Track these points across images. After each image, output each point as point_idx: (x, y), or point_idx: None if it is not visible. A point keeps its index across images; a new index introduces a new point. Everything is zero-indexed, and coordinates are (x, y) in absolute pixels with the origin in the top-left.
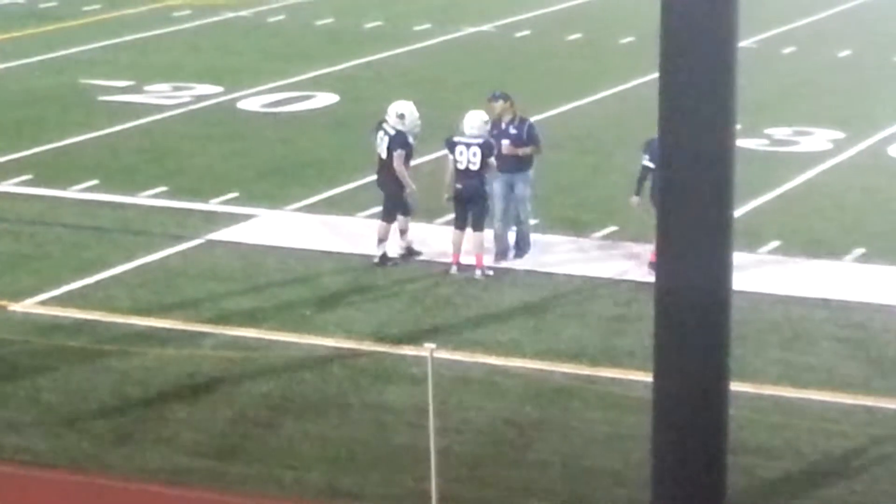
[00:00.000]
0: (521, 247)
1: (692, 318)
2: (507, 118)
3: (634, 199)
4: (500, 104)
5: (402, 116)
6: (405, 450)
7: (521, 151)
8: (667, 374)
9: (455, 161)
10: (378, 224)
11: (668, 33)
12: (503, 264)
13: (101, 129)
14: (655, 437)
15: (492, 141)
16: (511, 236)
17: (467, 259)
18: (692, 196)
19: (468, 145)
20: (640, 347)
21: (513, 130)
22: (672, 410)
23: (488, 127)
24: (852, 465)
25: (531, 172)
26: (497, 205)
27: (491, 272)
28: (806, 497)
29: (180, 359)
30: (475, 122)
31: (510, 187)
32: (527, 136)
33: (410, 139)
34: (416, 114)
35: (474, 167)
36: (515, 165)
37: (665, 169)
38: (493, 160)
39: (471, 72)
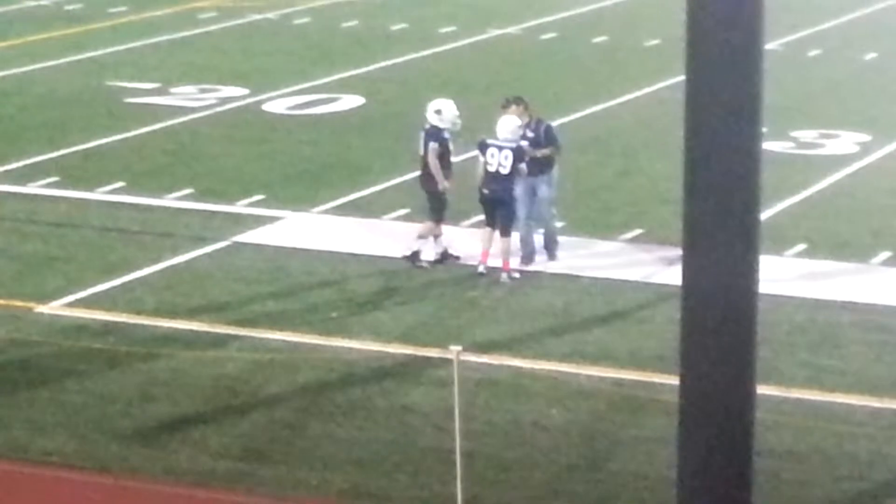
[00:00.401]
0: (551, 248)
1: (718, 321)
2: (523, 121)
3: None
4: (512, 109)
5: (438, 112)
6: (431, 452)
7: (540, 153)
8: (693, 377)
9: (486, 163)
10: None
11: (694, 36)
12: (530, 267)
13: (127, 131)
14: (681, 440)
15: (524, 146)
16: (538, 239)
17: (495, 261)
18: (719, 199)
19: (500, 148)
20: (667, 350)
21: (530, 133)
22: (698, 413)
23: (521, 132)
24: (879, 469)
25: (554, 174)
26: (520, 209)
27: (517, 275)
28: (831, 500)
29: (206, 361)
30: (510, 126)
31: (533, 190)
32: (545, 138)
33: (446, 135)
34: (455, 111)
35: (504, 171)
36: (537, 168)
37: (691, 171)
38: (523, 166)
39: (496, 74)
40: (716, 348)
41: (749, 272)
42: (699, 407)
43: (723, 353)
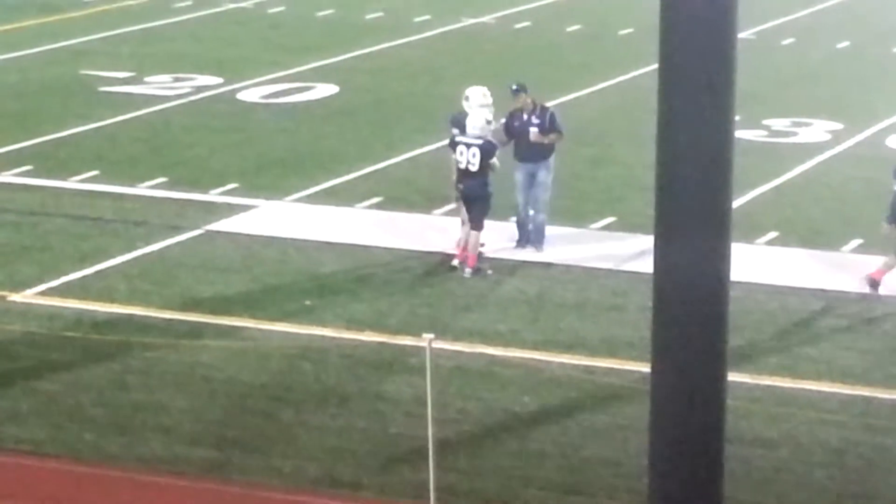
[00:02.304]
0: (537, 238)
1: (690, 309)
2: (528, 109)
3: (885, 227)
4: (523, 96)
5: (466, 98)
6: (403, 440)
7: (548, 139)
8: (664, 365)
9: (457, 161)
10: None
11: (667, 25)
12: (521, 255)
13: (101, 119)
14: (653, 428)
15: (493, 142)
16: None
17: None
18: (691, 187)
19: (468, 146)
20: (639, 338)
21: (536, 120)
22: (669, 401)
23: (491, 128)
24: (849, 455)
25: (552, 159)
26: (519, 195)
27: (490, 272)
28: (803, 487)
29: (180, 349)
30: (477, 122)
31: (532, 176)
32: (549, 124)
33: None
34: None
35: (473, 168)
36: (540, 154)
37: (663, 160)
38: (494, 161)
39: (470, 63)
40: (687, 336)
41: (721, 260)
42: (670, 394)
43: (694, 341)
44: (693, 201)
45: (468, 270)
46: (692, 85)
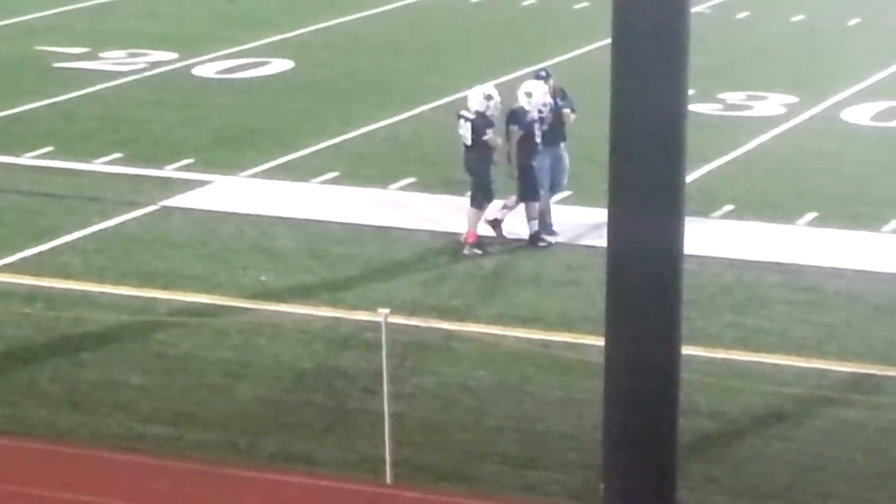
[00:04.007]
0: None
1: (644, 282)
2: (546, 95)
3: None
4: (551, 81)
5: (529, 94)
6: (360, 415)
7: (572, 119)
8: (618, 339)
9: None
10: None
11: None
12: (551, 238)
13: (55, 95)
14: (607, 402)
15: (487, 118)
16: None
17: (484, 231)
18: (644, 161)
19: (465, 120)
20: (595, 312)
21: (561, 102)
22: (623, 375)
23: (491, 103)
24: (804, 428)
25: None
26: (545, 178)
27: (479, 251)
28: (758, 459)
29: (135, 325)
30: (472, 97)
31: (557, 159)
32: (573, 104)
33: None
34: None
35: (467, 143)
36: (562, 135)
37: (616, 134)
38: (488, 138)
39: (426, 37)
40: (641, 309)
41: (674, 234)
42: (624, 367)
43: (648, 314)
44: (646, 175)
45: (466, 249)
46: (644, 59)
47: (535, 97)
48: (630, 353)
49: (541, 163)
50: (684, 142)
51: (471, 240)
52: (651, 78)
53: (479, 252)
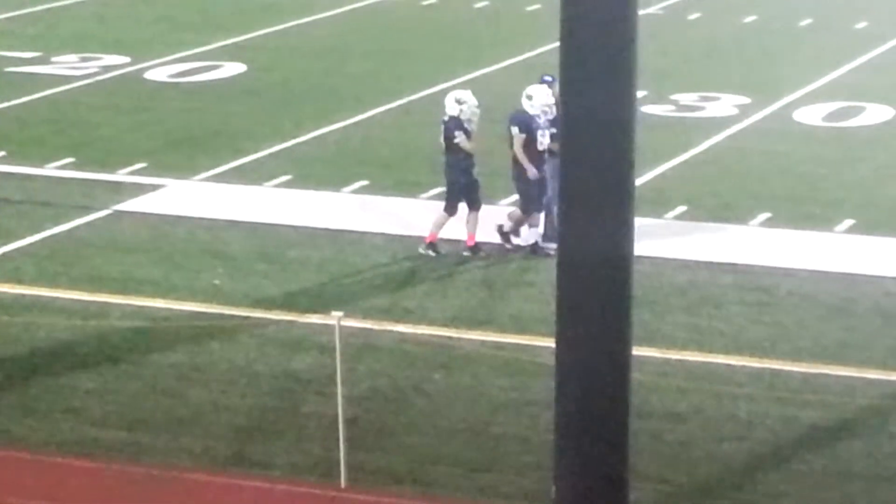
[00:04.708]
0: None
1: (594, 284)
2: (550, 101)
3: None
4: (556, 87)
5: (530, 97)
6: (314, 418)
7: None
8: (569, 341)
9: None
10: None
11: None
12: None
13: (7, 100)
14: (558, 404)
15: (459, 121)
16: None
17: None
18: (593, 162)
19: (441, 124)
20: (549, 313)
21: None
22: (574, 376)
23: (463, 107)
24: (758, 428)
25: None
26: (549, 187)
27: (432, 253)
28: (711, 460)
29: (88, 329)
30: (447, 101)
31: (557, 168)
32: None
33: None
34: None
35: (442, 145)
36: None
37: (566, 136)
38: (458, 141)
39: (378, 41)
40: (591, 311)
41: (624, 235)
42: (575, 369)
43: (598, 316)
44: (595, 177)
45: (421, 248)
46: (592, 61)
47: (536, 99)
48: (580, 354)
49: (545, 172)
50: (633, 143)
51: (431, 238)
52: (599, 80)
53: (432, 254)
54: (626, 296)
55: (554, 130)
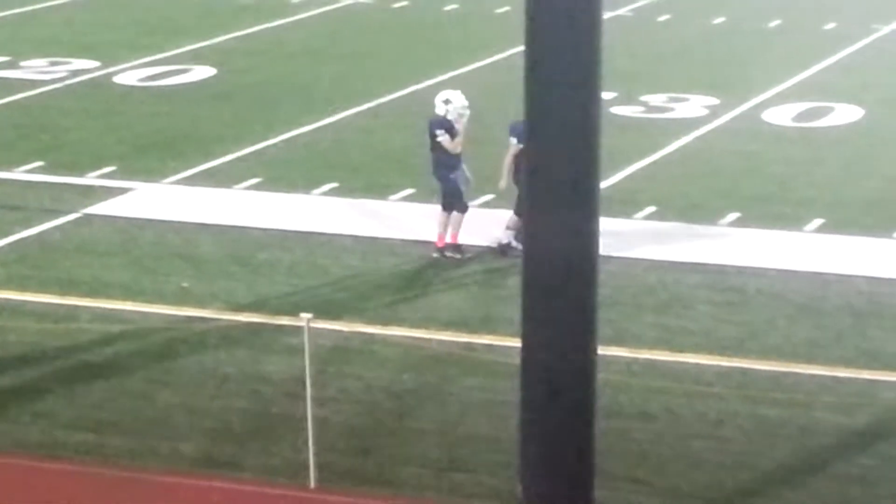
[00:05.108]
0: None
1: (559, 284)
2: None
3: None
4: None
5: (447, 101)
6: (283, 420)
7: None
8: (534, 341)
9: None
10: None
11: (533, 3)
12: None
13: None
14: (524, 403)
15: (444, 120)
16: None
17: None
18: (558, 164)
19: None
20: (517, 314)
21: None
22: (539, 376)
23: (449, 107)
24: (727, 427)
25: None
26: None
27: (457, 256)
28: (680, 459)
29: (57, 333)
30: (436, 101)
31: None
32: None
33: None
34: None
35: (429, 144)
36: None
37: (531, 137)
38: (440, 139)
39: (348, 43)
40: (556, 311)
41: (589, 236)
42: (541, 369)
43: (563, 316)
44: (560, 178)
45: (446, 250)
46: (558, 63)
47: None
48: (546, 354)
49: None
50: (598, 145)
51: (439, 244)
52: (564, 81)
53: (458, 256)
54: (592, 296)
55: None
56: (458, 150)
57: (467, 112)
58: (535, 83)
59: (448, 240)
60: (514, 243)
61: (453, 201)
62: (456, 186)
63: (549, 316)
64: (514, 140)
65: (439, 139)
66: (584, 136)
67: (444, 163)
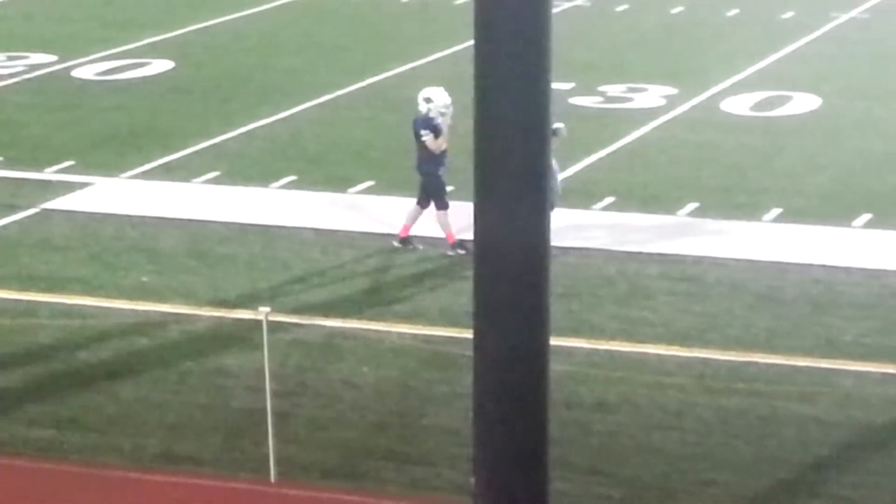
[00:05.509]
0: None
1: (510, 275)
2: None
3: None
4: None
5: (428, 99)
6: (243, 414)
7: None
8: (486, 332)
9: None
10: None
11: None
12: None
13: None
14: (476, 395)
15: (427, 119)
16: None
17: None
18: (507, 154)
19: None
20: None
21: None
22: (491, 368)
23: (431, 105)
24: (687, 417)
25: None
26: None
27: (462, 251)
28: (641, 450)
29: (17, 329)
30: (418, 97)
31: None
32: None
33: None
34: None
35: (414, 142)
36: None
37: (480, 129)
38: (424, 139)
39: (307, 36)
40: (508, 301)
41: (540, 225)
42: (493, 361)
43: (515, 307)
44: (510, 169)
45: (394, 242)
46: (506, 53)
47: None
48: (498, 346)
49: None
50: (548, 136)
51: (402, 234)
52: (512, 72)
53: (462, 252)
54: (543, 286)
55: (560, 125)
56: (443, 147)
57: (450, 110)
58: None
59: (447, 240)
60: None
61: (435, 198)
62: (440, 184)
63: (500, 308)
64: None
65: (423, 139)
66: (533, 126)
67: (429, 159)
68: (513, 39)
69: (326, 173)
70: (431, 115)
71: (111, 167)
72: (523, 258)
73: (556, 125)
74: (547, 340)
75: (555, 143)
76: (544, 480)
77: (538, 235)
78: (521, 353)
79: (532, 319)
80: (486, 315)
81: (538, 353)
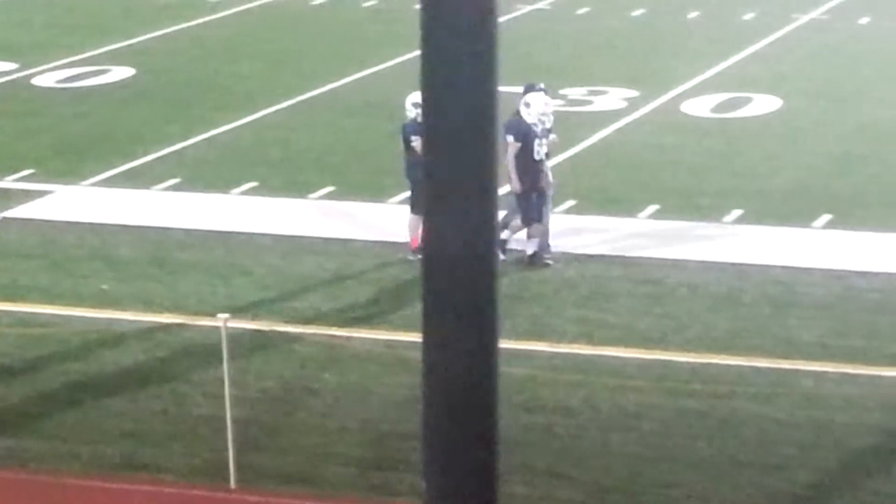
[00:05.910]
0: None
1: (458, 280)
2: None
3: None
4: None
5: (528, 105)
6: (203, 421)
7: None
8: (434, 338)
9: None
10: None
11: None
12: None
13: None
14: (424, 401)
15: (416, 125)
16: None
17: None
18: (456, 158)
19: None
20: None
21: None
22: (440, 373)
23: (418, 111)
24: (648, 419)
25: None
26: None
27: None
28: (602, 452)
29: None
30: (407, 104)
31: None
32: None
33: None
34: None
35: (402, 148)
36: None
37: (429, 132)
38: (415, 144)
39: (267, 42)
40: (456, 307)
41: (488, 231)
42: (441, 366)
43: (463, 312)
44: (458, 173)
45: (409, 254)
46: (453, 57)
47: (533, 108)
48: (446, 351)
49: (542, 180)
50: (496, 138)
51: (413, 245)
52: (459, 75)
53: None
54: (492, 291)
55: (553, 136)
56: None
57: None
58: (432, 78)
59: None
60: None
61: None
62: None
63: (448, 312)
64: (510, 138)
65: (413, 144)
66: (482, 130)
67: (419, 164)
68: (459, 49)
69: (287, 179)
70: (420, 120)
71: (71, 175)
72: (470, 264)
73: (552, 136)
74: (495, 345)
75: (550, 146)
76: (493, 483)
77: (485, 240)
78: (470, 358)
79: (480, 325)
80: (434, 321)
81: (487, 358)
